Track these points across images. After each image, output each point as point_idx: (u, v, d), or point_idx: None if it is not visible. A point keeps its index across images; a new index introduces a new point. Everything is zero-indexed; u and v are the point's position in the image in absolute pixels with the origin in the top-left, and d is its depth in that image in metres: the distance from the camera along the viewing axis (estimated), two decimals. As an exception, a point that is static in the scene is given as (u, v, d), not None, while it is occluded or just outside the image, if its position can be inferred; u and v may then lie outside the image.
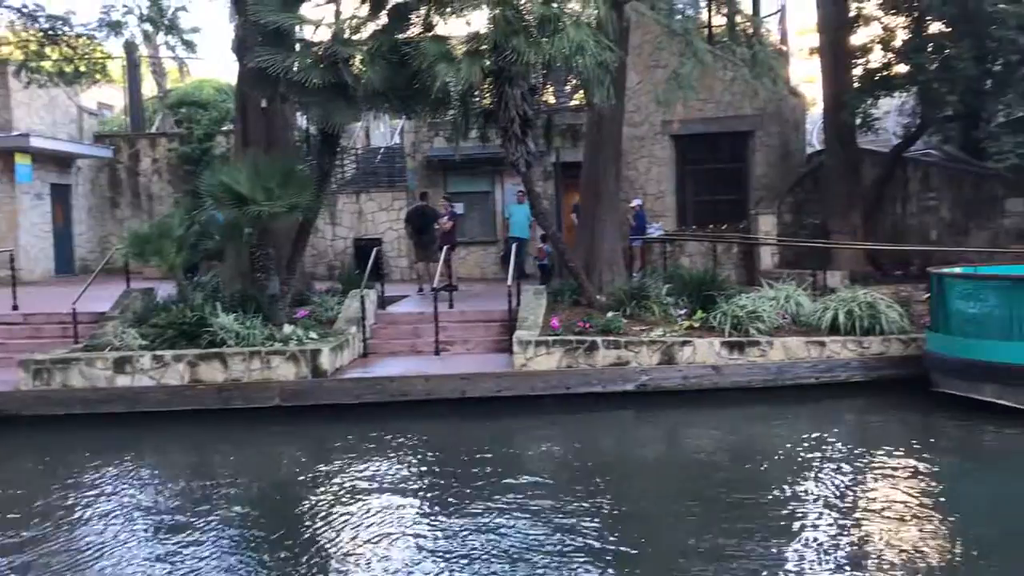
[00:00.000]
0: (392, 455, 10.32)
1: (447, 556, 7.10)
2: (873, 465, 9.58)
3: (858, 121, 17.41)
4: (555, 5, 12.66)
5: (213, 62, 76.12)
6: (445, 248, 16.38)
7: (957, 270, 12.70)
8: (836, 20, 17.31)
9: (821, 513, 7.99)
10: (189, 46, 18.68)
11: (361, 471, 9.62)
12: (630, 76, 17.52)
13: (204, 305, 13.25)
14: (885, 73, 17.02)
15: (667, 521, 8.10)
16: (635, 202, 18.60)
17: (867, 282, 15.24)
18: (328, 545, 7.48)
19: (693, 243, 19.31)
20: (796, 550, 7.16)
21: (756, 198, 19.63)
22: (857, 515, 7.97)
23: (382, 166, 24.09)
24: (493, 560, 6.99)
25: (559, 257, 15.81)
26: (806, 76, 25.67)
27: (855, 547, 7.19)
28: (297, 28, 13.26)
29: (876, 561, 6.85)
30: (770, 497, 8.45)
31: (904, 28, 16.79)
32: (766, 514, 7.98)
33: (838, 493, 8.57)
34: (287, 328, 13.05)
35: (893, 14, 16.84)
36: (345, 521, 8.00)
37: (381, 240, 20.68)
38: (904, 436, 10.79)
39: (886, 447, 10.13)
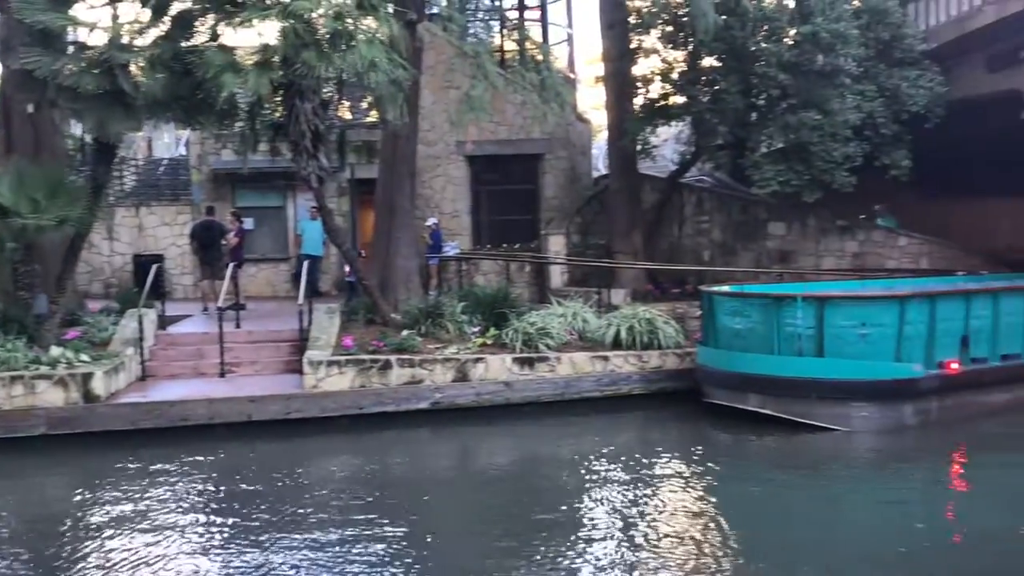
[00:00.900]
0: (168, 485, 9.75)
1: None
2: (651, 473, 10.11)
3: (639, 148, 18.40)
4: (349, 21, 12.58)
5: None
6: (232, 265, 15.75)
7: (725, 288, 13.68)
8: (619, 51, 18.23)
9: (606, 521, 8.37)
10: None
11: (131, 503, 9.04)
12: (425, 95, 17.66)
13: (-44, 327, 12.07)
14: (664, 103, 18.07)
15: (457, 539, 8.17)
16: (431, 221, 18.72)
17: (647, 299, 16.09)
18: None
19: (488, 262, 19.67)
20: (585, 559, 7.43)
21: (547, 219, 20.27)
22: (636, 521, 8.40)
23: (165, 178, 22.85)
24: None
25: (354, 275, 15.64)
26: (594, 104, 26.88)
27: (634, 551, 7.55)
28: (70, 30, 12.43)
29: (653, 561, 7.22)
30: (562, 507, 8.75)
31: (681, 62, 17.94)
32: (557, 522, 8.24)
33: (620, 501, 8.99)
34: (55, 350, 12.12)
35: (671, 48, 17.97)
36: (107, 560, 7.47)
37: (163, 256, 19.63)
38: (678, 444, 11.49)
39: (663, 455, 10.76)
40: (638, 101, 18.33)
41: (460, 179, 20.48)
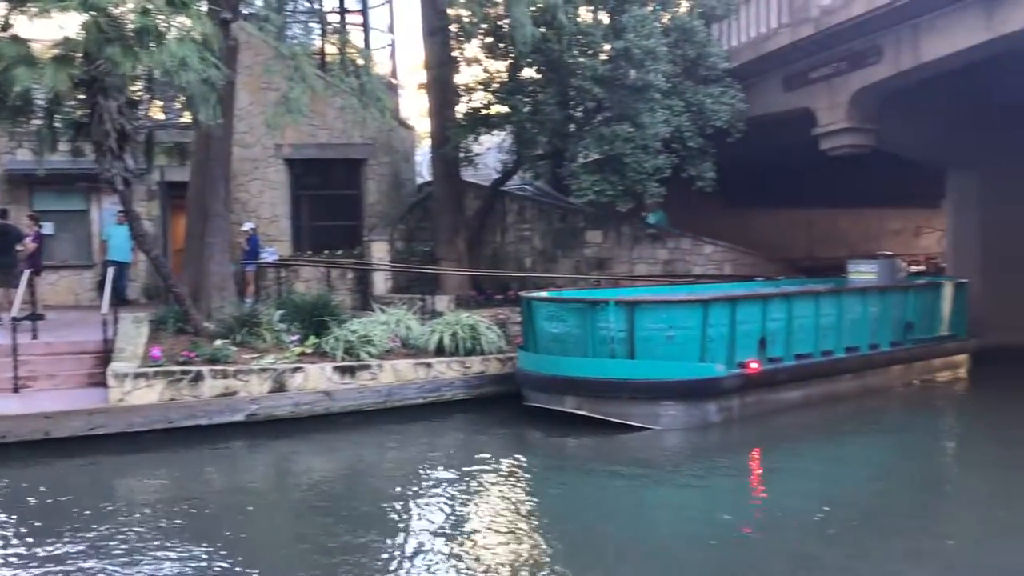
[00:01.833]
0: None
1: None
2: (475, 478, 10.21)
3: (462, 155, 18.58)
4: (160, 17, 12.01)
5: None
6: (29, 272, 14.67)
7: (544, 294, 14.04)
8: (440, 59, 18.36)
9: (427, 527, 8.38)
10: None
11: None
12: (241, 96, 17.12)
13: None
14: (486, 112, 18.35)
15: (274, 559, 7.94)
16: (247, 226, 18.12)
17: (471, 306, 16.28)
18: None
19: (308, 268, 19.26)
20: (409, 566, 7.42)
21: (370, 225, 20.10)
22: (458, 522, 8.47)
23: (-49, 178, 21.01)
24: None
25: (162, 281, 14.92)
26: (420, 110, 26.92)
27: (457, 549, 7.61)
28: None
29: (472, 560, 7.31)
30: (383, 516, 8.69)
31: (503, 72, 18.26)
32: (379, 531, 8.18)
33: (444, 507, 9.04)
34: None
35: (491, 58, 18.24)
36: None
37: (-52, 263, 18.00)
38: (499, 448, 11.67)
39: (485, 460, 10.90)
40: (461, 109, 18.50)
41: (279, 183, 19.96)
